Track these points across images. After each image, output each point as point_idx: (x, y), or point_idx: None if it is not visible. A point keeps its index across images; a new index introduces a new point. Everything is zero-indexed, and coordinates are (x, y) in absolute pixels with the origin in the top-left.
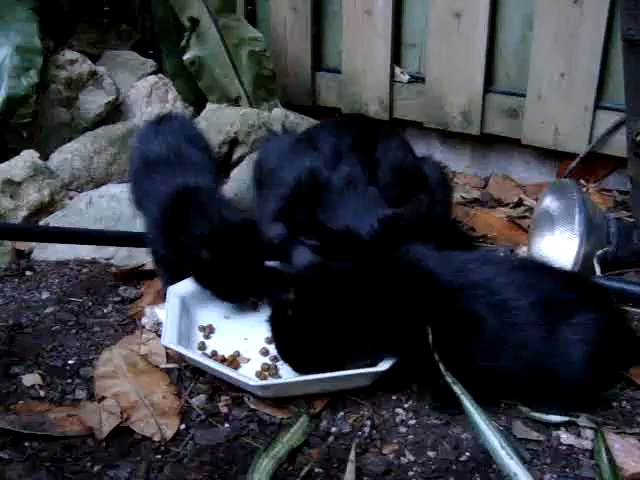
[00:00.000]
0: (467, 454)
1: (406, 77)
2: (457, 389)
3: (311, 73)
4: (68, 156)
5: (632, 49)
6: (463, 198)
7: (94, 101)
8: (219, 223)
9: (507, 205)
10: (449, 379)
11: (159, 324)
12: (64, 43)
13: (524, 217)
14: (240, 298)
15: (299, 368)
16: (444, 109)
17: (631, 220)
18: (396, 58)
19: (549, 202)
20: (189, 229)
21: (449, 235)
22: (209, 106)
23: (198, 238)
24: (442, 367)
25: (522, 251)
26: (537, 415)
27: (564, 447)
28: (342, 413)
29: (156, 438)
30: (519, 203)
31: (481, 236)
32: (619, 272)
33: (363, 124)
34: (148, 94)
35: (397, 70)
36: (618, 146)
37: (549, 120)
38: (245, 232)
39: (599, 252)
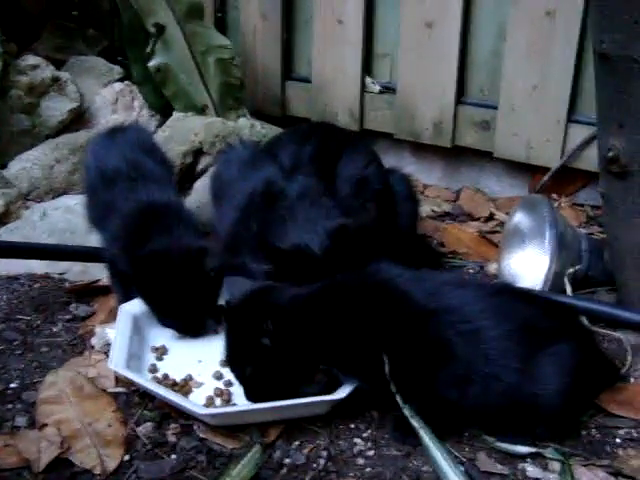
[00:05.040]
0: None
1: (377, 87)
2: (415, 422)
3: (281, 82)
4: (27, 165)
5: (604, 63)
6: (434, 212)
7: (56, 108)
8: (163, 246)
9: (478, 219)
10: (407, 412)
11: (109, 344)
12: (29, 48)
13: (495, 232)
14: (180, 327)
15: (264, 398)
16: (415, 120)
17: (603, 236)
18: (367, 68)
19: (520, 218)
20: (142, 248)
21: (417, 250)
22: (175, 115)
23: (139, 259)
24: (399, 399)
25: (493, 267)
26: (503, 446)
27: None
28: (297, 443)
29: (97, 471)
30: (490, 217)
31: (451, 252)
32: (590, 291)
33: (327, 133)
34: (114, 101)
35: (368, 80)
36: (590, 161)
37: (521, 133)
38: (189, 259)
39: (570, 270)
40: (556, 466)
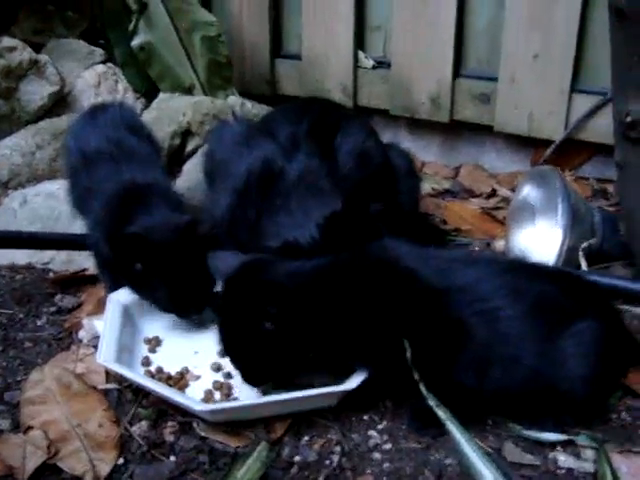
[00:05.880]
0: None
1: (370, 62)
2: (441, 413)
3: (270, 60)
4: (7, 152)
5: (621, 20)
6: (433, 189)
7: (36, 92)
8: (149, 226)
9: (480, 196)
10: (432, 402)
11: (98, 337)
12: (5, 32)
13: (498, 208)
14: (181, 311)
15: (263, 381)
16: (411, 95)
17: (611, 210)
18: (360, 42)
19: (528, 191)
20: (122, 230)
21: (419, 229)
22: (161, 96)
23: (124, 240)
24: (423, 388)
25: (499, 244)
26: (530, 434)
27: (563, 471)
28: (307, 438)
29: (88, 477)
30: (492, 193)
31: (454, 229)
32: (605, 265)
33: (322, 108)
34: (96, 84)
35: (361, 55)
36: (596, 132)
37: (523, 105)
38: (182, 236)
39: (584, 244)
40: (590, 454)
